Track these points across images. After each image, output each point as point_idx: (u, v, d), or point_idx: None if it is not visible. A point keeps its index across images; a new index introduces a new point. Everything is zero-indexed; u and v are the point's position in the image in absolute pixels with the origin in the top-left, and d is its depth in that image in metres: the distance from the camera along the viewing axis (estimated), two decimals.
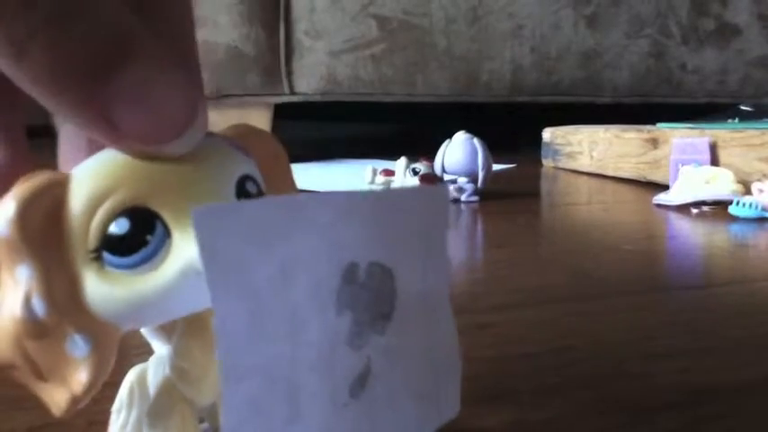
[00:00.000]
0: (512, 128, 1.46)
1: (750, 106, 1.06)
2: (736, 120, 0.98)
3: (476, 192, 0.79)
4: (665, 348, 0.32)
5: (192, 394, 0.18)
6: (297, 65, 1.18)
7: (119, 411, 0.19)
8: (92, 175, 0.15)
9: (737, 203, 0.66)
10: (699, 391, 0.27)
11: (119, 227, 0.15)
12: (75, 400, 0.15)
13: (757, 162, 0.72)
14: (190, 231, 0.14)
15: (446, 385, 0.19)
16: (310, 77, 1.19)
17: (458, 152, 0.80)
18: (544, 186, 1.00)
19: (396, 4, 1.21)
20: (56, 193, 0.15)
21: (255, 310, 0.13)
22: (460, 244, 0.58)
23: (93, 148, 0.16)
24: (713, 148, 0.77)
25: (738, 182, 0.71)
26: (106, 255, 0.15)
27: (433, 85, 1.27)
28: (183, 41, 0.17)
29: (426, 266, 0.17)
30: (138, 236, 0.15)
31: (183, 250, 0.15)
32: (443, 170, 0.80)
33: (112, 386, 0.26)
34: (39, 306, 0.14)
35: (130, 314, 0.15)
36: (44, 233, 0.15)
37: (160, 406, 0.18)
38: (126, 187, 0.15)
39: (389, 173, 0.77)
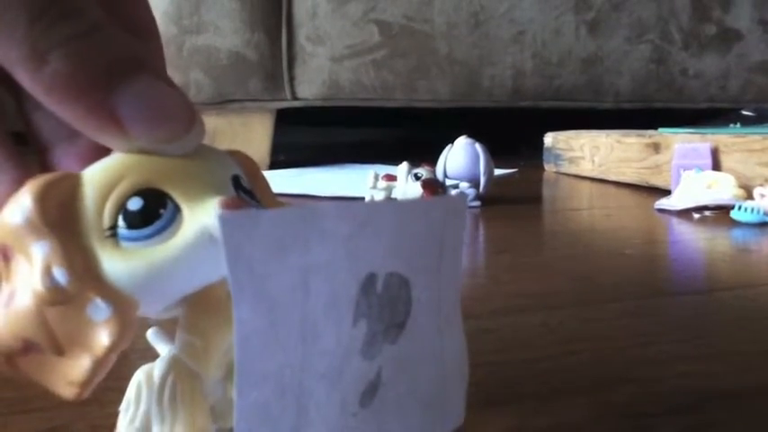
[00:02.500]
0: (513, 133, 1.46)
1: (751, 111, 1.06)
2: (738, 125, 0.98)
3: (477, 197, 0.79)
4: (667, 353, 0.32)
5: (199, 367, 0.18)
6: (299, 70, 1.18)
7: (126, 409, 0.19)
8: (103, 168, 0.16)
9: (739, 208, 0.66)
10: (701, 396, 0.27)
11: (133, 204, 0.16)
12: (96, 365, 0.16)
13: (759, 167, 0.72)
14: (199, 205, 0.16)
15: (452, 393, 0.19)
16: (312, 83, 1.19)
17: (459, 157, 0.80)
18: (546, 191, 1.00)
19: (397, 9, 1.22)
20: (69, 184, 0.16)
21: (273, 317, 0.14)
22: (462, 249, 0.58)
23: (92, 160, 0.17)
24: (715, 153, 0.77)
25: (740, 187, 0.71)
26: (122, 230, 0.16)
27: (435, 91, 1.27)
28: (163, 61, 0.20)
29: (440, 277, 0.18)
30: (151, 210, 0.16)
31: (195, 219, 0.16)
32: (445, 175, 0.80)
33: (117, 391, 0.26)
34: (59, 274, 0.15)
35: (148, 285, 0.16)
36: (60, 215, 0.16)
37: (167, 390, 0.18)
38: (136, 173, 0.16)
39: (391, 178, 0.77)
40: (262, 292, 0.13)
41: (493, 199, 0.80)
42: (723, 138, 0.78)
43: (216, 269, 0.16)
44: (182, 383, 0.18)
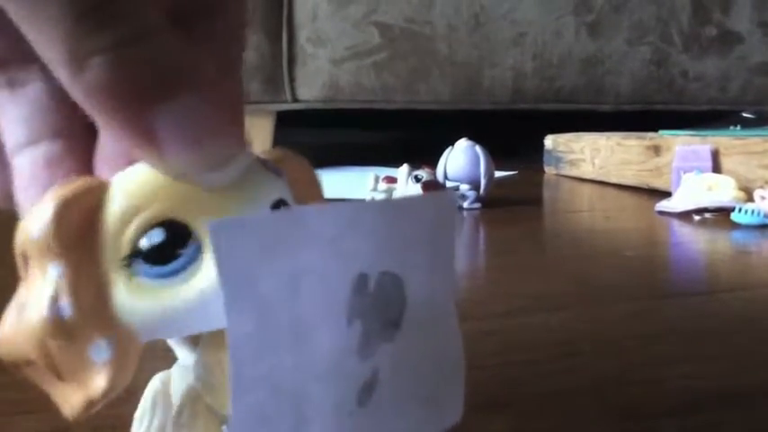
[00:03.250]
0: (514, 135, 1.46)
1: (752, 113, 1.07)
2: (738, 127, 0.98)
3: (478, 199, 0.79)
4: (667, 355, 0.32)
5: (216, 404, 0.18)
6: (299, 72, 1.19)
7: (141, 418, 0.19)
8: (131, 186, 0.15)
9: (740, 210, 0.66)
10: (702, 397, 0.27)
11: (153, 237, 0.15)
12: (90, 404, 0.15)
13: (759, 169, 0.72)
14: None
15: (450, 390, 0.19)
16: (313, 85, 1.20)
17: (460, 159, 0.80)
18: (546, 194, 1.00)
19: (398, 11, 1.22)
20: (93, 199, 0.15)
21: (265, 322, 0.13)
22: (463, 251, 0.58)
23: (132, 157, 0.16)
24: (715, 156, 0.77)
25: (740, 189, 0.71)
26: (137, 264, 0.15)
27: (435, 93, 1.27)
28: (231, 75, 0.17)
29: (433, 273, 0.18)
30: (171, 247, 0.15)
31: (210, 271, 0.15)
32: (446, 177, 0.80)
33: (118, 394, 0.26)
34: (66, 307, 0.15)
35: (155, 325, 0.15)
36: (78, 236, 0.15)
37: (185, 414, 0.18)
38: (164, 200, 0.15)
39: (392, 180, 0.78)
40: (253, 297, 0.13)
41: (493, 201, 0.80)
42: (723, 140, 0.78)
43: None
44: (198, 419, 0.18)
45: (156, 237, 0.15)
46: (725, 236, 0.62)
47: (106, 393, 0.15)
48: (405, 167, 0.77)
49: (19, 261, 0.15)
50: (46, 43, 0.13)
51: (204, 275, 0.15)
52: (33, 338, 0.15)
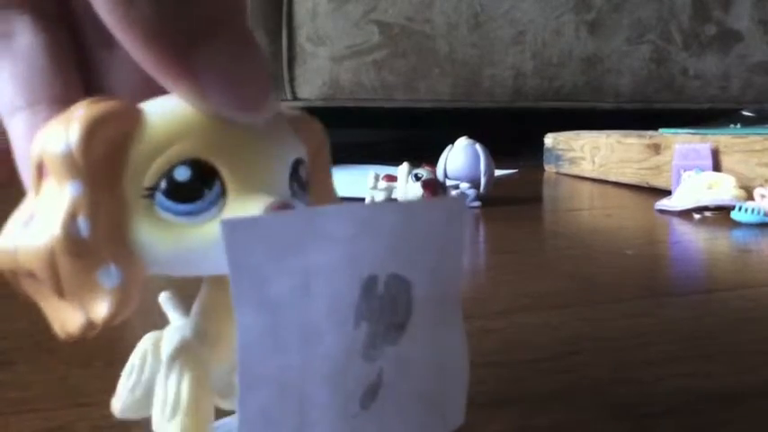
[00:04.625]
0: (514, 133, 1.46)
1: (752, 112, 1.06)
2: (738, 125, 0.98)
3: (478, 197, 0.79)
4: (667, 354, 0.32)
5: (210, 354, 0.18)
6: (299, 71, 1.18)
7: (129, 373, 0.19)
8: (163, 119, 0.15)
9: (740, 209, 0.66)
10: (701, 396, 0.27)
11: (180, 173, 0.15)
12: (89, 328, 0.15)
13: (759, 167, 0.72)
14: (246, 197, 0.15)
15: (453, 394, 0.19)
16: (312, 83, 1.19)
17: (460, 158, 0.80)
18: (546, 192, 1.00)
19: (398, 10, 1.22)
20: (125, 124, 0.15)
21: (274, 321, 0.13)
22: (463, 250, 0.58)
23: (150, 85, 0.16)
24: (715, 154, 0.77)
25: (740, 187, 0.71)
26: (160, 197, 0.15)
27: (435, 91, 1.27)
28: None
29: (441, 277, 0.18)
30: (195, 186, 0.15)
31: (236, 211, 0.15)
32: (446, 176, 0.80)
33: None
34: (83, 225, 0.14)
35: (168, 260, 0.15)
36: (105, 158, 0.15)
37: (174, 366, 0.17)
38: (195, 138, 0.15)
39: (392, 178, 0.77)
40: (263, 296, 0.13)
41: (493, 199, 0.80)
42: (723, 138, 0.78)
43: None
44: (189, 371, 0.17)
45: (183, 174, 0.15)
46: (725, 234, 0.62)
47: (108, 320, 0.15)
48: (405, 166, 0.77)
49: (32, 171, 0.15)
50: None
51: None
52: (42, 251, 0.15)
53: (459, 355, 0.19)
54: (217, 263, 0.15)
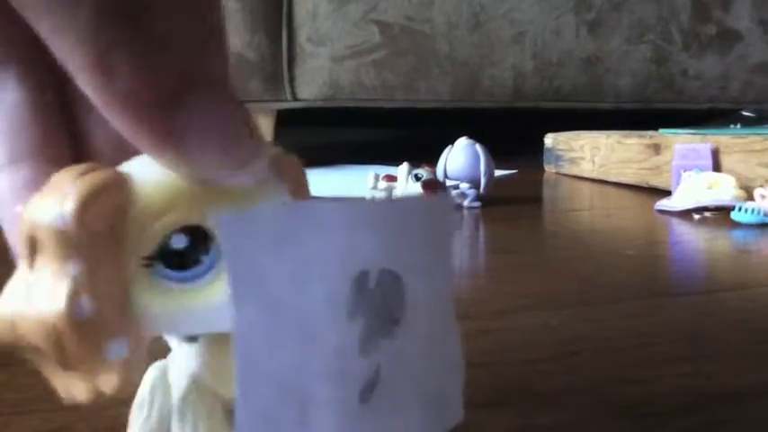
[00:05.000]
0: (513, 134, 1.46)
1: (752, 112, 1.06)
2: (738, 125, 0.98)
3: (478, 197, 0.79)
4: (667, 354, 0.32)
5: (220, 388, 0.18)
6: (299, 71, 1.18)
7: (141, 406, 0.19)
8: (155, 184, 0.15)
9: (740, 209, 0.66)
10: (701, 396, 0.27)
11: (177, 242, 0.15)
12: (94, 397, 0.15)
13: (759, 168, 0.72)
14: None
15: (450, 391, 0.19)
16: (312, 84, 1.19)
17: (460, 158, 0.80)
18: (546, 192, 1.00)
19: (398, 10, 1.22)
20: (118, 194, 0.15)
21: (271, 316, 0.14)
22: (463, 250, 0.58)
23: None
24: (715, 154, 0.77)
25: (740, 188, 0.71)
26: (159, 266, 0.15)
27: (435, 91, 1.27)
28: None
29: (433, 273, 0.18)
30: (193, 253, 0.15)
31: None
32: (446, 176, 0.80)
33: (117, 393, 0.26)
34: (86, 305, 0.14)
35: (172, 324, 0.16)
36: (101, 233, 0.15)
37: (188, 399, 0.18)
38: (188, 203, 0.15)
39: (392, 178, 0.78)
40: (260, 290, 0.13)
41: (493, 200, 0.80)
42: (723, 138, 0.78)
43: None
44: (202, 405, 0.18)
45: (179, 242, 0.15)
46: (725, 235, 0.62)
47: (118, 390, 0.15)
48: (405, 166, 0.77)
49: (23, 244, 0.15)
50: (70, 47, 0.13)
51: (221, 282, 0.15)
52: (45, 329, 0.14)
53: (454, 351, 0.19)
54: (219, 323, 0.15)
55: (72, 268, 0.14)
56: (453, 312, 0.19)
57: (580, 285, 0.45)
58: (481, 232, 0.68)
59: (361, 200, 0.15)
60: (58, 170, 0.16)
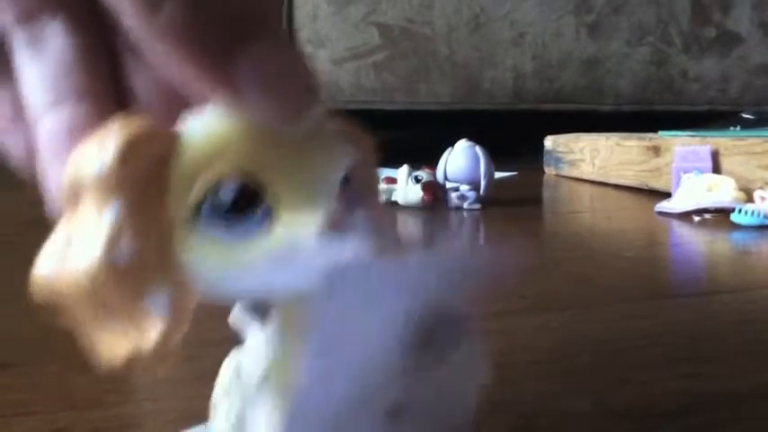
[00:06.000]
0: (513, 135, 1.46)
1: (752, 114, 1.07)
2: (738, 127, 0.98)
3: (478, 199, 0.79)
4: (666, 356, 0.32)
5: (287, 384, 0.18)
6: None
7: (217, 405, 0.18)
8: (205, 136, 0.15)
9: (739, 211, 0.66)
10: (701, 398, 0.27)
11: (225, 194, 0.14)
12: (131, 360, 0.14)
13: (759, 170, 0.72)
14: (298, 213, 0.14)
15: (464, 415, 0.19)
16: None
17: (460, 160, 0.80)
18: (546, 194, 1.00)
19: (398, 12, 1.22)
20: (162, 144, 0.14)
21: (331, 364, 0.14)
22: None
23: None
24: (715, 156, 0.77)
25: (740, 189, 0.71)
26: (206, 217, 0.14)
27: (435, 93, 1.27)
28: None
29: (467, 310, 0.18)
30: (242, 207, 0.14)
31: (289, 228, 0.14)
32: (446, 178, 0.80)
33: (119, 393, 0.26)
34: (126, 250, 0.14)
35: (216, 281, 0.15)
36: (144, 178, 0.14)
37: (260, 396, 0.17)
38: (238, 155, 0.14)
39: (392, 180, 0.78)
40: (331, 342, 0.13)
41: (493, 201, 0.80)
42: (723, 140, 0.78)
43: (293, 280, 0.14)
44: (272, 401, 0.17)
45: (228, 194, 0.14)
46: (724, 237, 0.62)
47: (158, 347, 0.14)
48: (405, 168, 0.77)
49: (66, 193, 0.14)
50: None
51: (273, 237, 0.14)
52: (84, 279, 0.14)
53: (476, 382, 0.19)
54: (266, 280, 0.15)
55: (112, 212, 0.14)
56: (477, 339, 0.19)
57: (580, 287, 0.45)
58: (481, 234, 0.68)
59: (431, 251, 0.15)
60: (101, 114, 0.15)
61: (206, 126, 0.15)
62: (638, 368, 0.30)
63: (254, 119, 0.14)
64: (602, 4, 1.33)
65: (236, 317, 0.19)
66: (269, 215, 0.14)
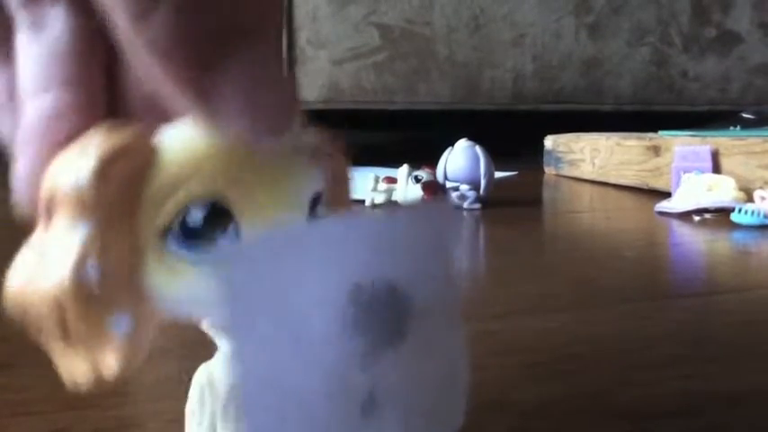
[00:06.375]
0: (513, 136, 1.46)
1: (752, 114, 1.07)
2: (738, 127, 0.98)
3: (478, 199, 0.79)
4: (667, 356, 0.32)
5: None
6: (299, 73, 1.19)
7: (193, 412, 0.18)
8: (179, 153, 0.14)
9: (739, 211, 0.66)
10: (701, 399, 0.27)
11: (193, 217, 0.14)
12: (96, 381, 0.14)
13: (759, 169, 0.72)
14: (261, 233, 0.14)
15: (452, 398, 0.19)
16: (313, 86, 1.19)
17: (460, 160, 0.80)
18: (546, 194, 1.00)
19: (398, 12, 1.22)
20: (140, 158, 0.14)
21: (270, 349, 0.13)
22: (463, 252, 0.58)
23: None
24: (715, 156, 0.77)
25: (740, 189, 0.71)
26: (173, 240, 0.14)
27: (435, 93, 1.27)
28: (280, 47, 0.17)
29: (435, 281, 0.18)
30: (209, 231, 0.14)
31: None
32: (446, 178, 0.80)
33: (118, 395, 0.26)
34: (93, 270, 0.14)
35: (183, 303, 0.15)
36: (118, 196, 0.14)
37: (233, 407, 0.17)
38: (209, 177, 0.14)
39: (392, 180, 0.78)
40: (258, 325, 0.13)
41: (493, 201, 0.80)
42: (723, 140, 0.78)
43: None
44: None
45: (196, 217, 0.14)
46: (725, 236, 0.62)
47: (117, 372, 0.14)
48: (405, 168, 0.77)
49: (41, 205, 0.14)
50: None
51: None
52: (50, 296, 0.14)
53: (459, 361, 0.19)
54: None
55: (83, 230, 0.14)
56: (458, 318, 0.19)
57: (580, 287, 0.45)
58: (481, 234, 0.68)
59: (358, 215, 0.15)
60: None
61: (178, 144, 0.15)
62: (639, 368, 0.30)
63: (230, 135, 0.14)
64: (602, 5, 1.33)
65: (209, 325, 0.19)
66: (238, 234, 0.14)
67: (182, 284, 0.14)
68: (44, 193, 0.14)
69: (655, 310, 0.40)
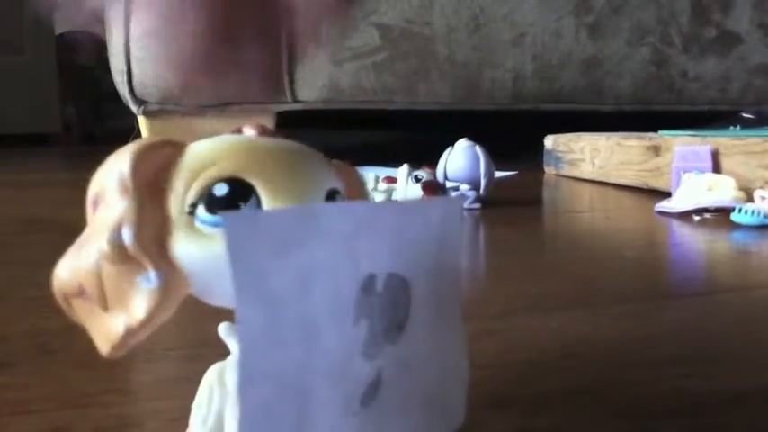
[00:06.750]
0: (513, 135, 1.46)
1: (752, 114, 1.07)
2: (738, 127, 0.98)
3: (478, 199, 0.79)
4: (667, 356, 0.32)
5: None
6: (299, 73, 1.19)
7: (199, 406, 0.19)
8: (205, 146, 0.17)
9: (740, 211, 0.66)
10: (701, 398, 0.27)
11: (218, 189, 0.16)
12: (128, 332, 0.16)
13: (759, 169, 0.72)
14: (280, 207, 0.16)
15: (453, 393, 0.19)
16: (313, 86, 1.19)
17: (460, 160, 0.80)
18: (546, 194, 1.00)
19: (397, 12, 1.22)
20: (170, 152, 0.17)
21: (274, 316, 0.14)
22: (463, 251, 0.58)
23: None
24: (715, 156, 0.77)
25: (740, 189, 0.71)
26: (201, 211, 0.16)
27: (435, 93, 1.27)
28: None
29: (439, 276, 0.18)
30: (233, 199, 0.16)
31: None
32: (445, 178, 0.80)
33: (118, 393, 0.26)
34: (126, 234, 0.16)
35: (205, 270, 0.16)
36: (150, 181, 0.17)
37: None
38: (232, 160, 0.17)
39: (392, 180, 0.78)
40: (263, 290, 0.13)
41: (493, 201, 0.80)
42: (723, 140, 0.78)
43: None
44: None
45: (221, 189, 0.16)
46: (725, 236, 0.62)
47: (145, 321, 0.16)
48: (405, 168, 0.77)
49: (89, 205, 0.17)
50: None
51: None
52: (90, 265, 0.16)
53: (459, 355, 0.19)
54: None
55: (120, 206, 0.16)
56: (460, 315, 0.19)
57: (580, 287, 0.45)
58: (481, 234, 0.68)
59: (368, 203, 0.16)
60: None
61: (206, 142, 0.17)
62: (639, 368, 0.30)
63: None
64: (602, 5, 1.33)
65: (224, 330, 0.20)
66: (260, 207, 0.17)
67: (206, 251, 0.16)
68: (91, 194, 0.17)
69: (655, 309, 0.40)
